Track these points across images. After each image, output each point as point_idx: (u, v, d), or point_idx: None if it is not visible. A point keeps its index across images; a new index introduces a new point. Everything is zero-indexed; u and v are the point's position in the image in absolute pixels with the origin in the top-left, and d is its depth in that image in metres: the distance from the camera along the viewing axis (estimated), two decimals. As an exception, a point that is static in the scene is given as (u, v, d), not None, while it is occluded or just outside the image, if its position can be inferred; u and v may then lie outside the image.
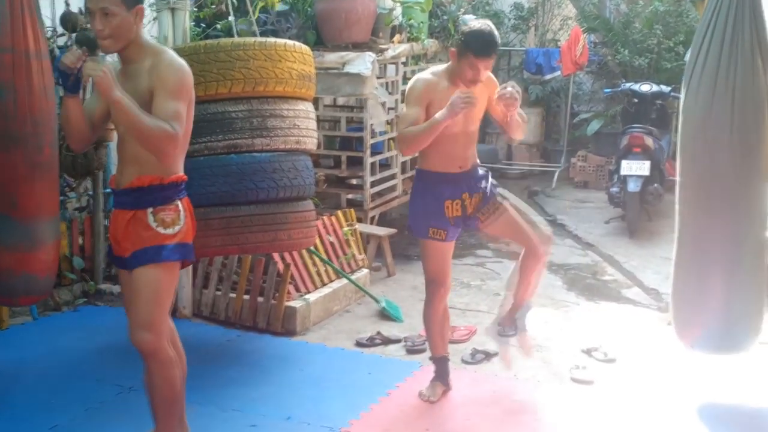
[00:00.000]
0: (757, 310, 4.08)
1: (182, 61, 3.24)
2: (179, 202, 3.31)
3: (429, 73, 4.04)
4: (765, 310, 4.18)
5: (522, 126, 4.09)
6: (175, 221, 3.27)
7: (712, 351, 4.22)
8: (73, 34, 5.35)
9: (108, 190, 6.04)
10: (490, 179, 4.20)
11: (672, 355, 4.67)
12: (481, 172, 4.17)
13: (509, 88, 3.86)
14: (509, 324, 4.41)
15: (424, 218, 4.08)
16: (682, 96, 4.07)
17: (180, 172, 3.33)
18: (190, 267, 5.34)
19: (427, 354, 4.82)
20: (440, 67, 4.08)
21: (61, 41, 5.52)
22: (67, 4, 5.49)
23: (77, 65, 3.08)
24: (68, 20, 5.39)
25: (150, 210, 3.24)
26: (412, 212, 4.19)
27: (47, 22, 5.28)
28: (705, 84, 3.90)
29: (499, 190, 4.20)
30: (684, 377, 4.52)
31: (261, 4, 6.05)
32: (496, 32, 3.87)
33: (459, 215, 4.08)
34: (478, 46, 3.79)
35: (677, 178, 4.14)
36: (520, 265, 4.24)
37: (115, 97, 3.04)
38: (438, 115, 3.80)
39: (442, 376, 4.32)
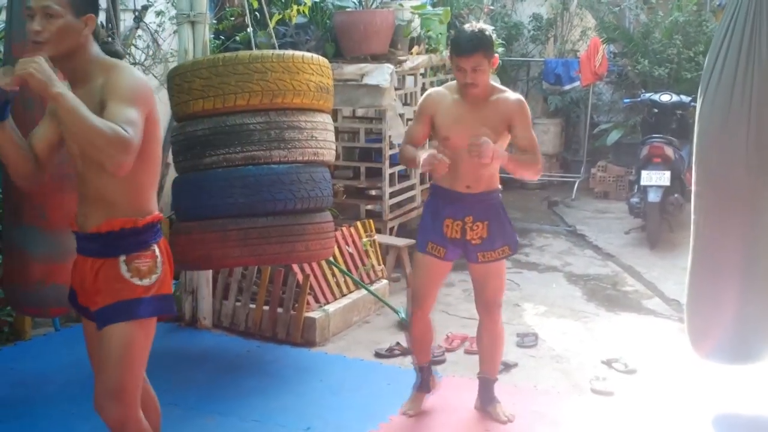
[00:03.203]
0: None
1: (140, 74, 2.81)
2: (156, 247, 2.84)
3: (443, 86, 4.00)
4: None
5: (524, 166, 3.80)
6: (152, 270, 2.80)
7: (727, 362, 4.16)
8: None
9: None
10: (511, 225, 4.01)
11: (693, 366, 4.63)
12: (494, 203, 3.94)
13: (479, 140, 3.57)
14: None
15: (424, 232, 3.99)
16: (698, 105, 4.04)
17: (155, 210, 2.87)
18: (211, 278, 5.38)
19: (447, 365, 4.85)
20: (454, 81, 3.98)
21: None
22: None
23: (13, 87, 2.58)
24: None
25: (122, 258, 2.76)
26: (419, 225, 4.11)
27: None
28: (721, 93, 3.85)
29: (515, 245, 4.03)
30: (704, 388, 4.48)
31: (278, 16, 6.10)
32: (483, 31, 3.68)
33: (458, 237, 3.90)
34: (456, 43, 3.72)
35: (692, 188, 4.12)
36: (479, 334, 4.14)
37: (55, 91, 2.48)
38: (418, 155, 3.72)
39: (426, 384, 4.20)
